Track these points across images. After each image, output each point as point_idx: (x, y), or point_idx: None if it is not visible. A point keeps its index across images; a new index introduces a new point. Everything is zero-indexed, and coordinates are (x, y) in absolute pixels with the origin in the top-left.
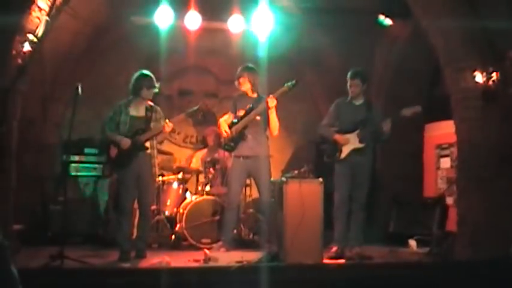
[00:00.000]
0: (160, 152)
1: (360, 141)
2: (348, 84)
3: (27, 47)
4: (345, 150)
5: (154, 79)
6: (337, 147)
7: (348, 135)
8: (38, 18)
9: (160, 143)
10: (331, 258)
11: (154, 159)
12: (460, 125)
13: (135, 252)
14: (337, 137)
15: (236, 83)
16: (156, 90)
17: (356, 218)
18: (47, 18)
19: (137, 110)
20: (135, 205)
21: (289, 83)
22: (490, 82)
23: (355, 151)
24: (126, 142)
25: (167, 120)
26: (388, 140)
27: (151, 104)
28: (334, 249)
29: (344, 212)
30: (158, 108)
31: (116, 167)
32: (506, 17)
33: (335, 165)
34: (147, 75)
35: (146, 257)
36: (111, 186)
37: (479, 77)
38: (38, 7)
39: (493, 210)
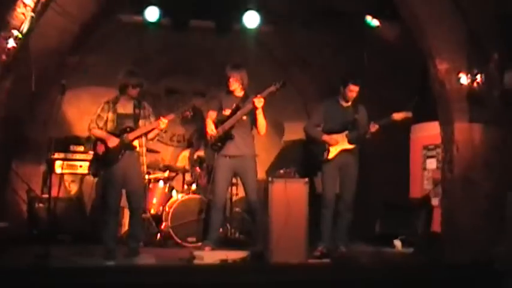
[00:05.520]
0: (147, 150)
1: (349, 142)
2: (347, 88)
3: (11, 43)
4: (333, 151)
5: (141, 77)
6: (325, 147)
7: (337, 136)
8: (23, 15)
9: (151, 140)
10: (317, 257)
11: (143, 157)
12: (445, 126)
13: (128, 251)
14: (326, 137)
15: (225, 81)
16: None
17: (343, 218)
18: (32, 14)
19: (125, 108)
20: (123, 203)
21: (277, 84)
22: (475, 84)
23: (343, 152)
24: (113, 141)
25: (162, 117)
26: (367, 141)
27: (140, 101)
28: (321, 249)
29: (331, 212)
30: (147, 105)
31: (102, 165)
32: (491, 19)
33: (323, 165)
34: (133, 74)
35: (139, 254)
36: (98, 184)
37: (464, 79)
38: (23, 3)
39: (477, 211)
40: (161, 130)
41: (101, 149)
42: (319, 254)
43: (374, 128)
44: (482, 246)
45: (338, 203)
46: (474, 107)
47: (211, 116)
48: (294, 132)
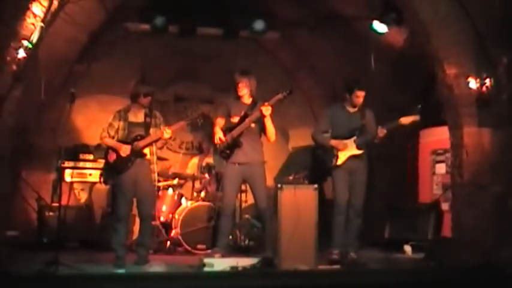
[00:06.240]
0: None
1: (357, 148)
2: (353, 94)
3: (21, 54)
4: (342, 157)
5: (152, 86)
6: (333, 153)
7: (345, 142)
8: (33, 25)
9: (161, 148)
10: (332, 261)
11: (153, 165)
12: (454, 131)
13: (137, 259)
14: (334, 142)
15: (234, 87)
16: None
17: (352, 223)
18: (42, 24)
19: (136, 116)
20: (134, 211)
21: (284, 91)
22: (484, 88)
23: (352, 157)
24: (125, 149)
25: (166, 127)
26: (375, 145)
27: (151, 109)
28: (336, 252)
29: (343, 217)
30: (158, 114)
31: (113, 173)
32: (499, 23)
33: (332, 171)
34: (144, 82)
35: (149, 261)
36: (109, 192)
37: (473, 83)
38: (33, 13)
39: (486, 215)
40: (166, 140)
41: (112, 157)
42: (336, 257)
43: (382, 132)
44: (492, 250)
45: (347, 209)
46: (483, 111)
47: (219, 123)
48: (301, 137)
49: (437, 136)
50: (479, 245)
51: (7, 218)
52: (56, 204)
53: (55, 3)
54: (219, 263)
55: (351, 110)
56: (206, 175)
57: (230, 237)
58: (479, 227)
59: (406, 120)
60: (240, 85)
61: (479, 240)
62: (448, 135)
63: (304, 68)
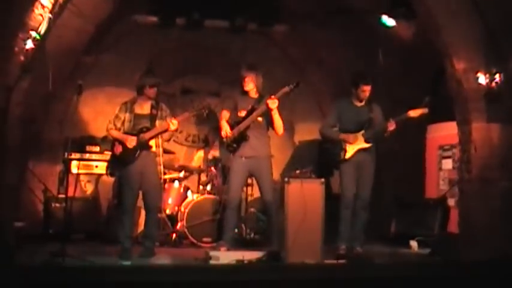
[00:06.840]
0: (163, 150)
1: (366, 141)
2: (359, 89)
3: (29, 44)
4: (350, 150)
5: (158, 77)
6: (342, 147)
7: (355, 135)
8: (41, 16)
9: (167, 141)
10: (340, 256)
11: (159, 157)
12: (463, 126)
13: (143, 251)
14: (344, 136)
15: (241, 82)
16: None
17: (358, 218)
18: (50, 15)
19: (142, 108)
20: (140, 203)
21: (291, 84)
22: (493, 83)
23: (360, 151)
24: (132, 140)
25: (172, 119)
26: (385, 139)
27: (157, 101)
28: (344, 247)
29: (350, 211)
30: (164, 106)
31: (119, 165)
32: (509, 18)
33: (340, 165)
34: (149, 74)
35: (155, 254)
36: (115, 184)
37: (482, 79)
38: (41, 4)
39: (494, 211)
40: (173, 131)
41: (118, 149)
42: (343, 252)
43: (392, 126)
44: (500, 246)
45: (354, 202)
46: (492, 107)
47: (224, 116)
48: (308, 132)
49: (445, 131)
50: (487, 240)
51: (15, 210)
52: (63, 196)
53: None
54: (225, 256)
55: (358, 104)
56: (212, 168)
57: (236, 230)
58: (487, 223)
59: (414, 113)
60: (246, 79)
61: (488, 235)
62: (455, 130)
63: (313, 62)
